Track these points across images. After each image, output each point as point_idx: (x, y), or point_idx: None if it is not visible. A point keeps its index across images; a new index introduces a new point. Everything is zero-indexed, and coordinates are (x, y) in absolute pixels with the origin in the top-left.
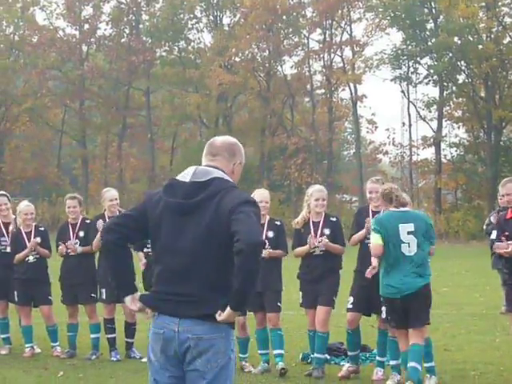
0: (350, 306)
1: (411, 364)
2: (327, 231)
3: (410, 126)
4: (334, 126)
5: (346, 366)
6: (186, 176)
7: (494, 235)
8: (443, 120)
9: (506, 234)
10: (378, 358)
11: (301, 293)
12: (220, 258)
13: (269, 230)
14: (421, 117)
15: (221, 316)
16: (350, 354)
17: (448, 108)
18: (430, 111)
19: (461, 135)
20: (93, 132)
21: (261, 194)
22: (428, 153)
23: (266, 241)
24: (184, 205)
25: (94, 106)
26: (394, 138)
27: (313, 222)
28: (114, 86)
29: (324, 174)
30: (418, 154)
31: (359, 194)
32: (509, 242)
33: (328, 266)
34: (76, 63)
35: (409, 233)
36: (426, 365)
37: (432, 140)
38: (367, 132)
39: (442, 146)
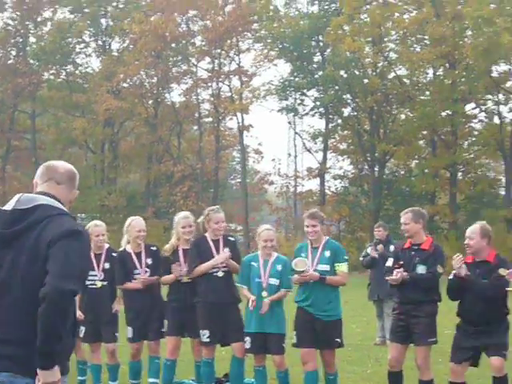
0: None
1: None
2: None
3: (295, 156)
4: (220, 155)
5: None
6: (9, 204)
7: (389, 262)
8: (328, 152)
9: (401, 263)
10: None
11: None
12: (35, 301)
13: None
14: (306, 148)
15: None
16: None
17: (333, 140)
18: (316, 143)
19: (345, 167)
20: None
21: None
22: (313, 184)
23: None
24: (2, 235)
25: None
26: (279, 169)
27: (183, 249)
28: None
29: (210, 202)
30: (302, 185)
31: (244, 223)
32: (397, 270)
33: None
34: None
35: None
36: None
37: (317, 171)
38: (253, 162)
39: (327, 177)
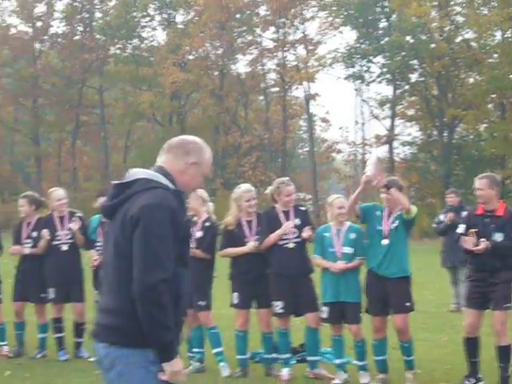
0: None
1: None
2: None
3: (363, 124)
4: (287, 124)
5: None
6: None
7: (461, 229)
8: (396, 118)
9: (476, 230)
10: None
11: (237, 293)
12: (129, 271)
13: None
14: (373, 115)
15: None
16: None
17: (401, 107)
18: (383, 110)
19: (414, 134)
20: (46, 130)
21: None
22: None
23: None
24: (104, 208)
25: (47, 103)
26: (347, 137)
27: (246, 220)
28: (67, 83)
29: (278, 172)
30: (370, 153)
31: (312, 192)
32: (481, 240)
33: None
34: (29, 61)
35: None
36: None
37: (385, 138)
38: (321, 130)
39: (395, 144)
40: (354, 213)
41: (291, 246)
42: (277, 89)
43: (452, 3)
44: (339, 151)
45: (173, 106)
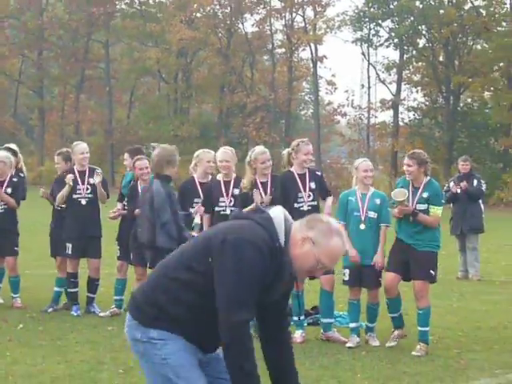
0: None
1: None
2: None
3: (369, 88)
4: (293, 86)
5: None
6: None
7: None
8: (402, 83)
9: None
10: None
11: None
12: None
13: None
14: (380, 80)
15: None
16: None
17: (407, 72)
18: (390, 74)
19: (419, 99)
20: (50, 83)
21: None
22: (386, 116)
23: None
24: None
25: (52, 56)
26: (352, 100)
27: (260, 182)
28: (73, 37)
29: (282, 134)
30: (375, 117)
31: (316, 155)
32: None
33: None
34: (35, 13)
35: None
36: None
37: (390, 103)
38: (326, 93)
39: (400, 109)
40: None
41: (305, 208)
42: (283, 50)
43: None
44: (344, 114)
45: (179, 64)
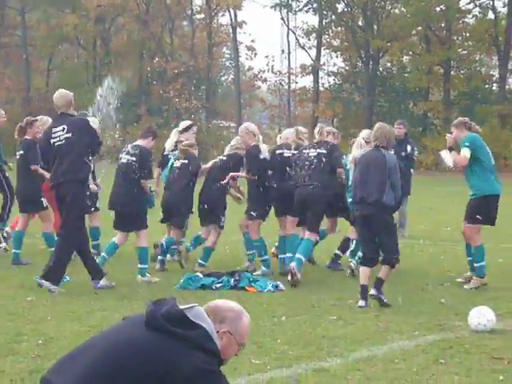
0: None
1: None
2: None
3: (289, 53)
4: (213, 52)
5: None
6: None
7: None
8: (322, 48)
9: None
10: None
11: None
12: None
13: None
14: (300, 45)
15: None
16: None
17: (327, 37)
18: (309, 39)
19: (339, 64)
20: None
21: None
22: (306, 81)
23: None
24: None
25: None
26: (273, 66)
27: None
28: None
29: (202, 100)
30: (296, 82)
31: (237, 120)
32: None
33: None
34: None
35: None
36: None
37: (310, 68)
38: (246, 59)
39: (320, 74)
40: None
41: None
42: (202, 15)
43: None
44: (265, 80)
45: (97, 30)
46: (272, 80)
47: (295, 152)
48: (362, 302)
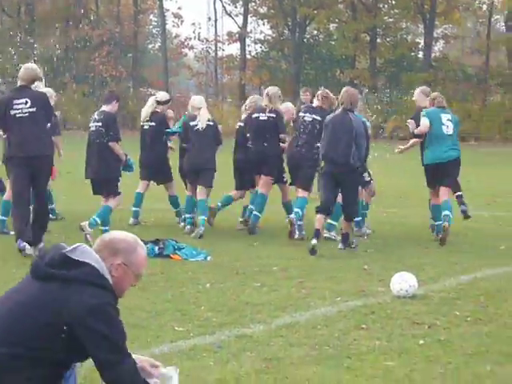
0: None
1: (445, 212)
2: None
3: (215, 21)
4: (139, 19)
5: None
6: None
7: None
8: (249, 16)
9: None
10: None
11: None
12: None
13: None
14: (227, 12)
15: None
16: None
17: (254, 4)
18: (236, 7)
19: (266, 32)
20: None
21: None
22: (233, 49)
23: None
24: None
25: None
26: (199, 33)
27: None
28: None
29: (129, 68)
30: (223, 50)
31: (164, 88)
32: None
33: None
34: None
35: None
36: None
37: (237, 36)
38: (173, 26)
39: (247, 42)
40: None
41: None
42: None
43: None
44: (191, 47)
45: None
46: (199, 47)
47: (270, 115)
48: (313, 241)
